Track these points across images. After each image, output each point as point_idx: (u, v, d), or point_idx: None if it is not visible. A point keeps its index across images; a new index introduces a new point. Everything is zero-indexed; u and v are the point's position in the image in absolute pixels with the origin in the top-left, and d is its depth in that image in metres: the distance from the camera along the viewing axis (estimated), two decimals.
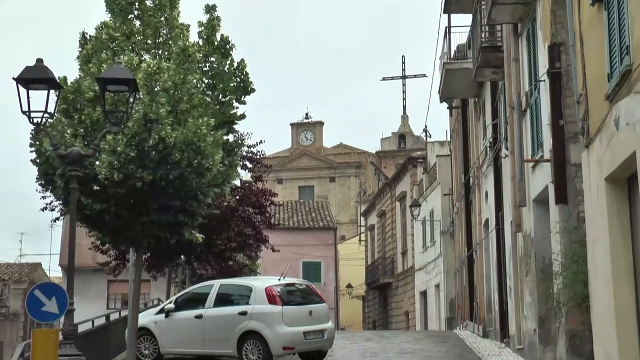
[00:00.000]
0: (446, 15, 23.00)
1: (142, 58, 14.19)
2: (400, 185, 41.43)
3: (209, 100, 14.93)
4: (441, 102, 27.61)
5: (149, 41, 14.68)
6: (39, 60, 10.89)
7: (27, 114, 10.83)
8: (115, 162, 13.01)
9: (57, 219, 20.77)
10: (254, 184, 24.75)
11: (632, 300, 9.38)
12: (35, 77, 10.77)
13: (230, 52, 15.28)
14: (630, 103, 8.42)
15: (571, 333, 12.29)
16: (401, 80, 72.02)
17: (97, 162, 13.13)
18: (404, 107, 72.34)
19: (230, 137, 15.77)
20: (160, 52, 14.58)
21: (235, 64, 15.27)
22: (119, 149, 13.00)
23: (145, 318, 17.11)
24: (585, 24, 10.49)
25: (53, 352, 10.08)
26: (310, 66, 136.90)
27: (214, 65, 15.18)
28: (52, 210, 18.25)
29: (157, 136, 13.09)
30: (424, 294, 36.03)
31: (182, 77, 13.54)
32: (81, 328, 14.29)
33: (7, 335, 37.40)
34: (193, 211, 14.28)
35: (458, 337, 21.95)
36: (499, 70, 18.24)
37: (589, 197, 10.79)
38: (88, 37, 14.51)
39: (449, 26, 23.31)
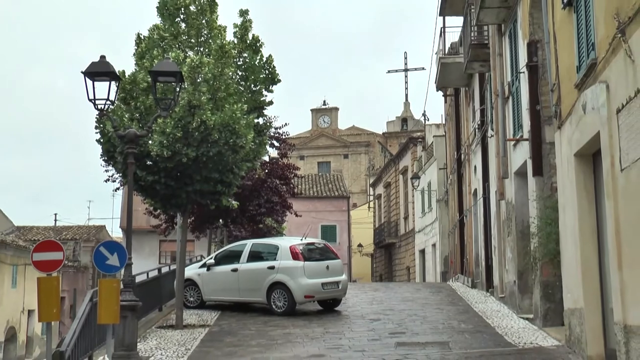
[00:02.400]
0: (441, 17, 22.92)
1: (187, 54, 14.21)
2: (403, 161, 41.35)
3: (243, 89, 14.95)
4: (437, 90, 27.48)
5: (192, 40, 14.69)
6: (102, 57, 10.95)
7: (93, 101, 10.91)
8: (164, 141, 13.10)
9: (118, 188, 20.90)
10: (280, 159, 24.82)
11: (595, 256, 9.43)
12: (99, 70, 10.82)
13: (260, 49, 15.24)
14: (595, 91, 8.42)
15: (545, 283, 12.36)
16: (404, 72, 71.88)
17: (150, 141, 13.21)
18: (406, 95, 72.86)
19: (260, 120, 15.76)
20: (201, 49, 14.58)
21: (264, 59, 15.26)
22: (167, 130, 13.09)
23: (191, 271, 17.27)
24: (558, 25, 10.45)
25: (115, 298, 10.17)
26: (326, 59, 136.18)
27: (247, 60, 15.16)
28: (114, 181, 18.44)
29: (199, 119, 13.16)
30: (422, 252, 36.07)
31: (220, 70, 13.57)
32: (138, 279, 14.42)
33: (79, 283, 37.89)
34: (229, 182, 14.35)
35: (451, 287, 21.99)
36: (485, 64, 18.18)
37: (560, 170, 10.81)
38: (142, 37, 14.56)
39: (444, 26, 23.23)
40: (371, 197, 54.55)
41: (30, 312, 31.77)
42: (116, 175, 16.64)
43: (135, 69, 14.12)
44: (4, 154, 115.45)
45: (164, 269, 18.72)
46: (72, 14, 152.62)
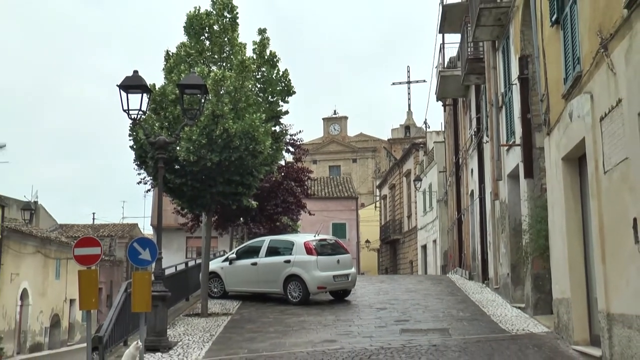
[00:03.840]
0: (441, 34, 22.86)
1: (211, 69, 14.23)
2: (406, 165, 41.29)
3: (261, 100, 14.94)
4: (437, 101, 27.38)
5: (215, 56, 14.69)
6: (135, 72, 11.00)
7: (127, 111, 10.98)
8: (191, 147, 13.14)
9: (149, 190, 20.98)
10: (295, 163, 24.82)
11: (581, 251, 9.41)
12: (132, 84, 10.88)
13: (277, 64, 15.22)
14: (580, 100, 8.41)
15: (535, 276, 12.32)
16: (407, 84, 71.65)
17: (178, 148, 13.24)
18: (409, 105, 72.01)
19: (277, 128, 15.73)
20: (224, 64, 14.56)
21: (281, 73, 15.25)
22: (193, 137, 13.13)
23: (214, 265, 17.29)
24: (547, 41, 10.44)
25: (147, 288, 10.20)
26: (336, 72, 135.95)
27: (265, 74, 15.16)
28: (145, 183, 18.58)
29: (222, 127, 13.18)
30: (424, 247, 35.99)
31: (240, 83, 13.58)
32: (167, 272, 14.43)
33: (115, 276, 38.06)
34: (249, 184, 14.36)
35: (450, 279, 21.94)
36: (481, 76, 18.14)
37: (549, 172, 10.79)
38: (170, 54, 14.59)
39: (443, 43, 23.16)
40: (377, 198, 54.46)
41: (72, 301, 31.96)
42: (147, 178, 16.79)
43: (164, 82, 14.16)
44: (47, 160, 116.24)
45: (191, 263, 18.77)
46: (102, 31, 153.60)
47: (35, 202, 34.90)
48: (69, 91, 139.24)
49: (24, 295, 27.31)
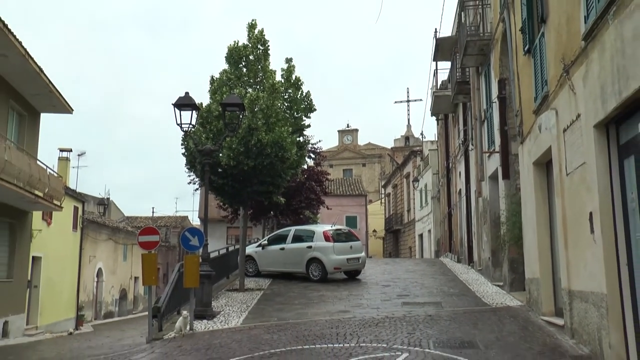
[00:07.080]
0: (435, 62, 22.78)
1: (247, 91, 14.37)
2: (406, 168, 41.15)
3: (288, 116, 15.02)
4: (432, 116, 27.31)
5: (251, 80, 14.80)
6: (186, 93, 11.13)
7: (180, 125, 11.11)
8: (231, 154, 13.26)
9: (197, 189, 21.12)
10: (315, 167, 24.87)
11: (548, 239, 9.36)
12: (184, 103, 11.00)
13: (301, 86, 15.32)
14: (547, 115, 8.38)
15: (511, 260, 12.26)
16: (406, 102, 71.35)
17: (220, 155, 13.39)
18: (408, 119, 72.27)
19: (301, 139, 15.84)
20: (258, 87, 14.70)
21: (304, 94, 15.34)
22: (233, 146, 13.25)
23: (250, 249, 17.37)
24: (520, 67, 10.41)
25: (196, 268, 10.33)
26: (349, 92, 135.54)
27: (291, 94, 15.24)
28: (194, 183, 18.65)
29: (256, 138, 13.29)
30: (420, 236, 35.85)
31: (271, 102, 13.68)
32: (212, 255, 14.55)
33: (170, 258, 38.39)
34: (278, 184, 14.44)
35: (442, 262, 21.84)
36: (467, 96, 18.06)
37: (522, 174, 10.74)
38: (214, 78, 14.73)
39: (437, 69, 23.23)
40: (382, 195, 54.32)
41: (136, 278, 32.31)
42: (196, 179, 16.89)
43: (210, 102, 14.30)
44: (117, 164, 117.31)
45: (230, 248, 18.89)
46: (162, 60, 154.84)
47: (108, 199, 35.32)
48: (135, 109, 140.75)
49: (99, 273, 27.68)
